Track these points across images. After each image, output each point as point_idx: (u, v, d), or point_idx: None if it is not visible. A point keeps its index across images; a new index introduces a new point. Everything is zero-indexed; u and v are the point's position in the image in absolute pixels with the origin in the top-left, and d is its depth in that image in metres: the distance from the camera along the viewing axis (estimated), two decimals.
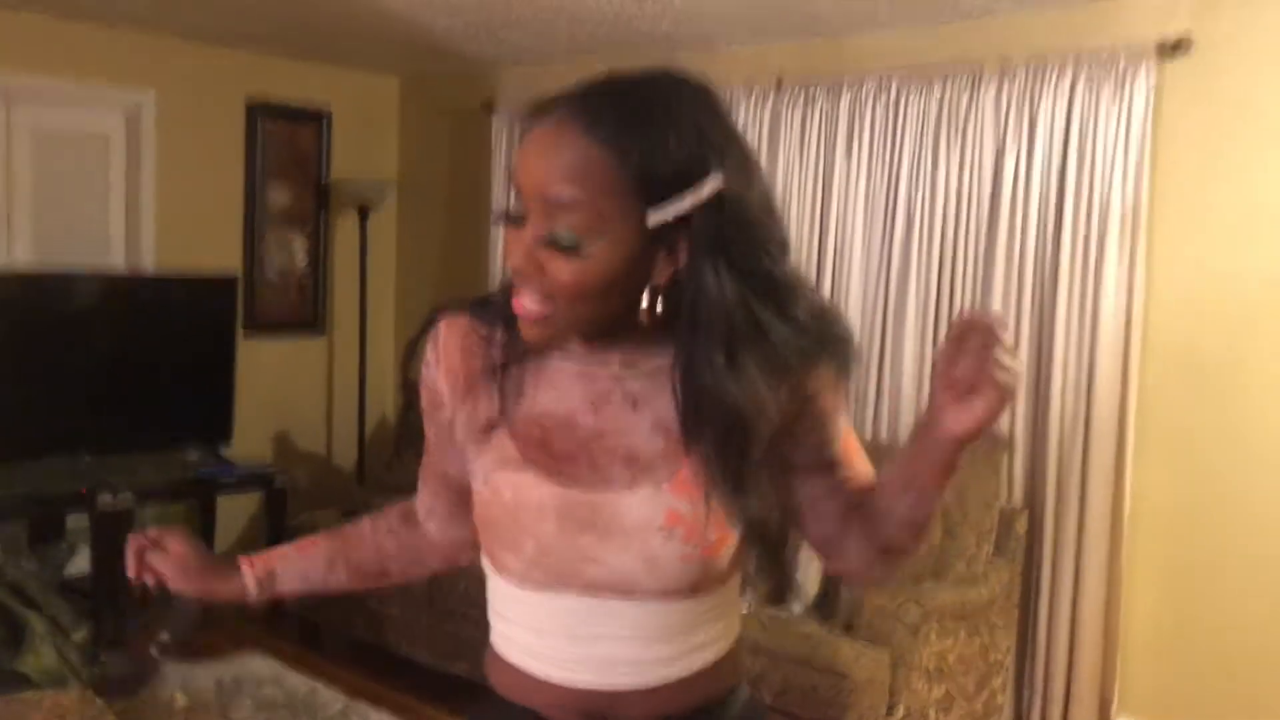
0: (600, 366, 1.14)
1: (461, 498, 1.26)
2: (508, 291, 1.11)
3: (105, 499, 4.21)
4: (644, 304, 1.07)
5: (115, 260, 4.78)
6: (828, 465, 1.20)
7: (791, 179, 4.23)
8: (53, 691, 2.30)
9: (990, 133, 3.77)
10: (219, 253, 5.03)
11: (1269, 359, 3.42)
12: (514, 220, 1.06)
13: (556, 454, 1.13)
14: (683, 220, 1.03)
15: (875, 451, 3.80)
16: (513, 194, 1.08)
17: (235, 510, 5.08)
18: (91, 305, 4.52)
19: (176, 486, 4.65)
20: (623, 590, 1.12)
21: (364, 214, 5.26)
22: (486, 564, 1.22)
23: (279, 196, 5.25)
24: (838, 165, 4.11)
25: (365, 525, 1.41)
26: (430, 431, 1.30)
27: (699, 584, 1.14)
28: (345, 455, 5.51)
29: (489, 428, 1.17)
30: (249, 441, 4.97)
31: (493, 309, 1.18)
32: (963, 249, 3.87)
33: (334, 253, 5.47)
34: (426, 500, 1.35)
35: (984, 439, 3.28)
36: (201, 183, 4.97)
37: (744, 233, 1.05)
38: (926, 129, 3.90)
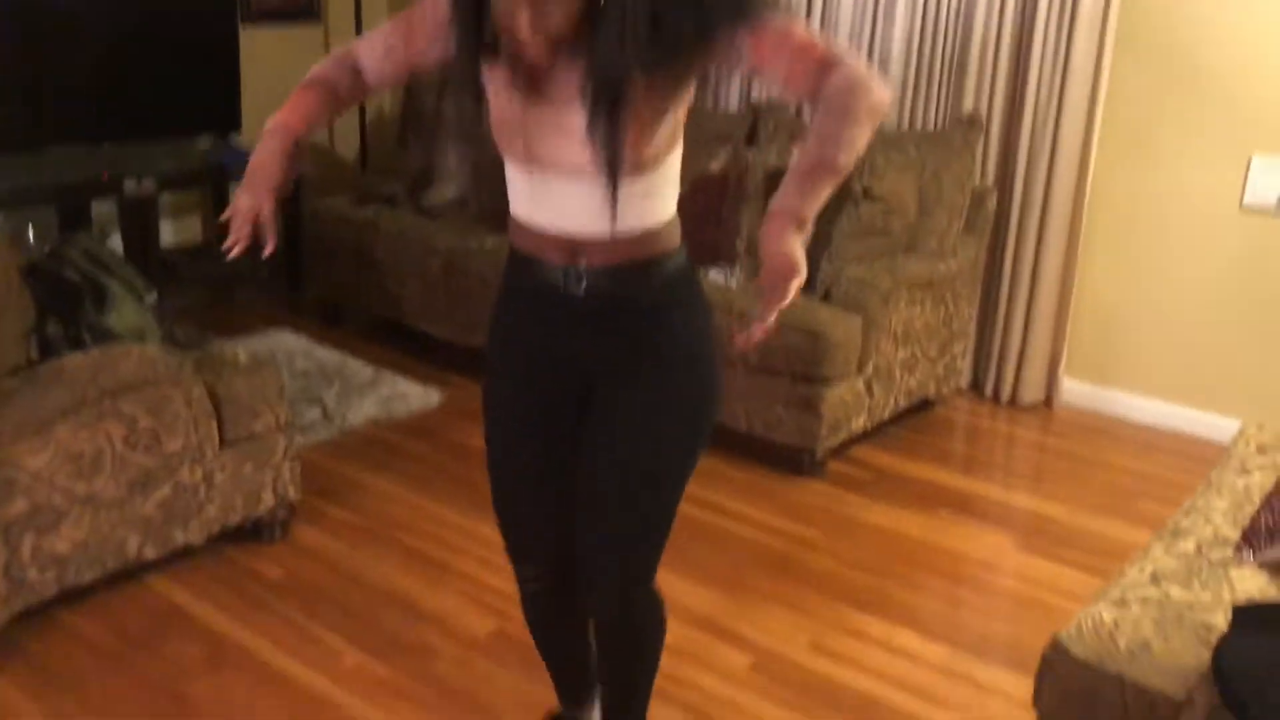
0: None
1: (399, 74, 1.80)
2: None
3: (130, 185, 4.45)
4: None
5: None
6: (765, 74, 1.59)
7: None
8: (139, 344, 2.65)
9: None
10: None
11: (1237, 47, 3.62)
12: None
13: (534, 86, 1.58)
14: None
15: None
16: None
17: None
18: None
19: (193, 174, 4.87)
20: (578, 172, 1.60)
21: None
22: (504, 155, 1.69)
23: None
24: None
25: (334, 82, 1.82)
26: (423, 29, 1.70)
27: (625, 170, 1.58)
28: (347, 144, 5.70)
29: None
30: (255, 131, 5.14)
31: None
32: None
33: None
34: (379, 61, 1.79)
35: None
36: None
37: None
38: None
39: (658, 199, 1.69)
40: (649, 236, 1.70)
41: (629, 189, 1.62)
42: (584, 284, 1.70)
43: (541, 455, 1.86)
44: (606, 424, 1.78)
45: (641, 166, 1.62)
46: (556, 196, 1.66)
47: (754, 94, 4.55)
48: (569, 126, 1.57)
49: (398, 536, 3.12)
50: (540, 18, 1.47)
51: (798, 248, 1.50)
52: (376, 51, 1.80)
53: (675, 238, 1.75)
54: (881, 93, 1.53)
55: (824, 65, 1.53)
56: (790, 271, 1.49)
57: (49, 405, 2.44)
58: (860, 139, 1.52)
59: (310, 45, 5.51)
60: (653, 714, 2.09)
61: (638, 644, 1.99)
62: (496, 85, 1.63)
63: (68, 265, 2.67)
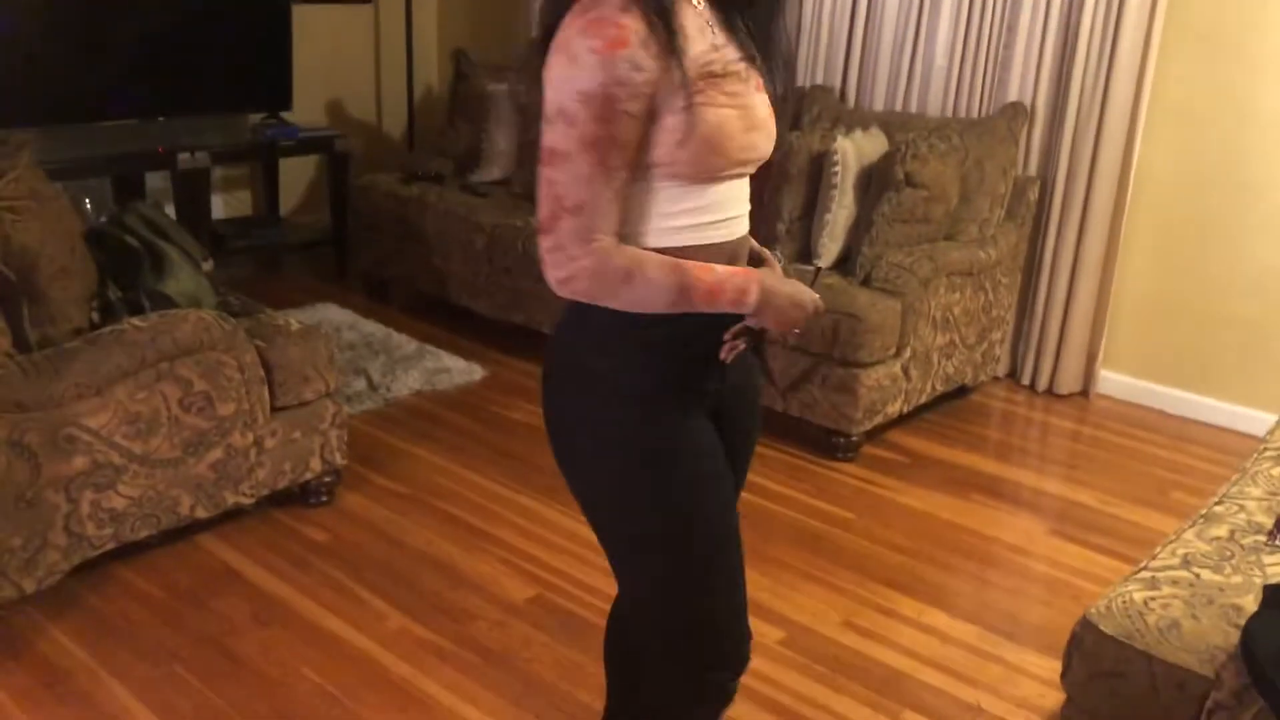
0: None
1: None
2: None
3: (184, 158, 4.55)
4: None
5: None
6: None
7: None
8: (195, 309, 2.73)
9: None
10: None
11: None
12: None
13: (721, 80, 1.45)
14: None
15: (904, 123, 4.02)
16: None
17: (297, 171, 5.42)
18: None
19: (244, 148, 4.97)
20: (757, 165, 1.54)
21: None
22: (677, 181, 1.44)
23: None
24: None
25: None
26: (630, 135, 1.38)
27: None
28: (395, 122, 5.78)
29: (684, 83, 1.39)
30: (305, 109, 5.23)
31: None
32: None
33: None
34: (616, 215, 1.43)
35: None
36: None
37: None
38: None
39: None
40: None
41: None
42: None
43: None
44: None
45: None
46: (742, 200, 1.55)
47: (798, 78, 4.57)
48: (765, 110, 1.52)
49: (439, 504, 3.19)
50: None
51: None
52: (615, 212, 1.42)
53: None
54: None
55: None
56: None
57: (109, 367, 2.52)
58: None
59: (360, 26, 5.60)
60: None
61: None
62: (707, 96, 1.42)
63: (128, 231, 2.76)
